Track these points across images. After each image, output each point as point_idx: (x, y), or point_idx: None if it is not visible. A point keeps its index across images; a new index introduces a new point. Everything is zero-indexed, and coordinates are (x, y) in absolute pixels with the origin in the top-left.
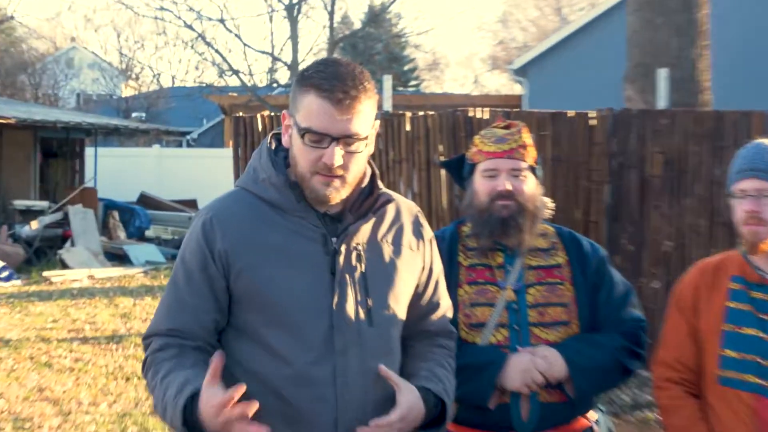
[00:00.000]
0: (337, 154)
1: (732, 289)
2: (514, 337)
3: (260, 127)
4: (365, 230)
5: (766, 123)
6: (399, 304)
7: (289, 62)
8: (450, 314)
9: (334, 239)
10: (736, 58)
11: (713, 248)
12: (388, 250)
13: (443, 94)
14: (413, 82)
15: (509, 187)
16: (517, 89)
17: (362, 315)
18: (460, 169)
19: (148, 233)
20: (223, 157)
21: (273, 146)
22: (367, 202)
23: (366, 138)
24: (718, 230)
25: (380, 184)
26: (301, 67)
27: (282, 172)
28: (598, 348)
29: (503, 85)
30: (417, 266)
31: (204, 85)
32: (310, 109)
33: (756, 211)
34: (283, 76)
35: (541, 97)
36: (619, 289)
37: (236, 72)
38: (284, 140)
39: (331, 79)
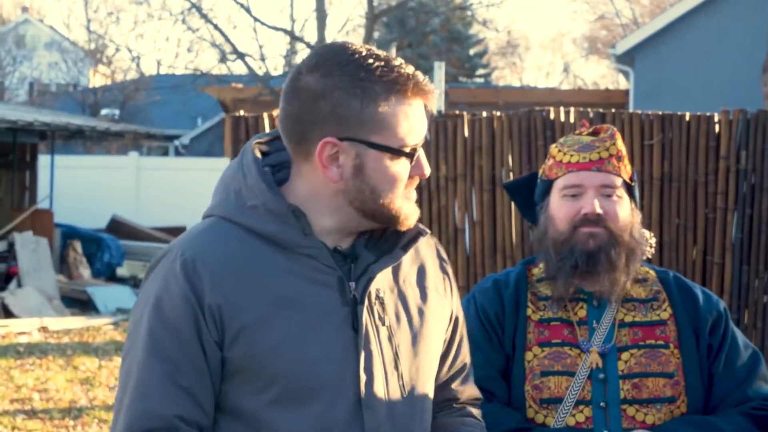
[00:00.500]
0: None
1: None
2: (600, 418)
3: (268, 129)
4: (385, 271)
5: None
6: (432, 368)
7: (313, 43)
8: (472, 376)
9: (352, 284)
10: None
11: None
12: (413, 296)
13: (521, 88)
14: (481, 71)
15: (599, 209)
16: (622, 82)
17: (394, 384)
18: (531, 194)
19: (121, 271)
20: (220, 169)
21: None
22: (387, 233)
23: None
24: None
25: None
26: None
27: (279, 194)
28: None
29: (603, 76)
30: (445, 315)
31: (199, 73)
32: (407, 119)
33: None
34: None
35: (654, 92)
36: (744, 356)
37: (242, 56)
38: (333, 175)
39: (413, 72)
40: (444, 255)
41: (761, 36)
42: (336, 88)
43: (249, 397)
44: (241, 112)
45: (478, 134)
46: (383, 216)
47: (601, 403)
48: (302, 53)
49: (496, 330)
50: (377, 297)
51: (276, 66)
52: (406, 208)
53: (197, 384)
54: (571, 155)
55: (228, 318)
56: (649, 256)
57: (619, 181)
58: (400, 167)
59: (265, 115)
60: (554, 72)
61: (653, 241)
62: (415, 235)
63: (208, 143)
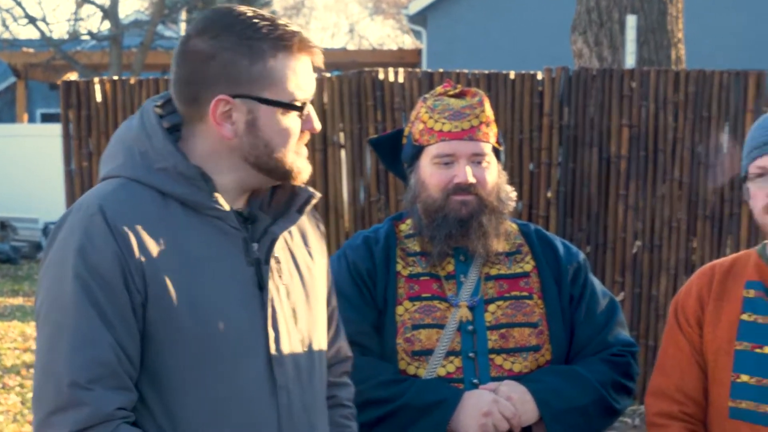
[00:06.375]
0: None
1: (747, 298)
2: (470, 367)
3: (99, 96)
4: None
5: (765, 86)
6: (323, 324)
7: (107, 6)
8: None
9: (254, 245)
10: (753, 17)
11: (695, 249)
12: (301, 257)
13: None
14: None
15: (472, 178)
16: (407, 42)
17: (296, 340)
18: (396, 150)
19: None
20: (17, 135)
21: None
22: (277, 196)
23: None
24: (701, 226)
25: None
26: (123, 13)
27: (186, 157)
28: (577, 384)
29: (387, 36)
30: (325, 274)
31: None
32: (294, 74)
33: None
34: (95, 25)
35: (446, 52)
36: (603, 304)
37: (34, 20)
38: (227, 132)
39: (298, 30)
40: (318, 216)
41: None
42: (224, 49)
43: (161, 358)
44: (72, 77)
45: None
46: (278, 171)
47: (470, 354)
48: (93, 18)
49: (368, 285)
50: (274, 257)
51: (67, 30)
52: (299, 162)
53: (126, 337)
54: (443, 123)
55: (150, 277)
56: (510, 210)
57: (488, 148)
58: (291, 121)
59: (97, 81)
60: (339, 33)
61: (514, 194)
62: (307, 198)
63: None
